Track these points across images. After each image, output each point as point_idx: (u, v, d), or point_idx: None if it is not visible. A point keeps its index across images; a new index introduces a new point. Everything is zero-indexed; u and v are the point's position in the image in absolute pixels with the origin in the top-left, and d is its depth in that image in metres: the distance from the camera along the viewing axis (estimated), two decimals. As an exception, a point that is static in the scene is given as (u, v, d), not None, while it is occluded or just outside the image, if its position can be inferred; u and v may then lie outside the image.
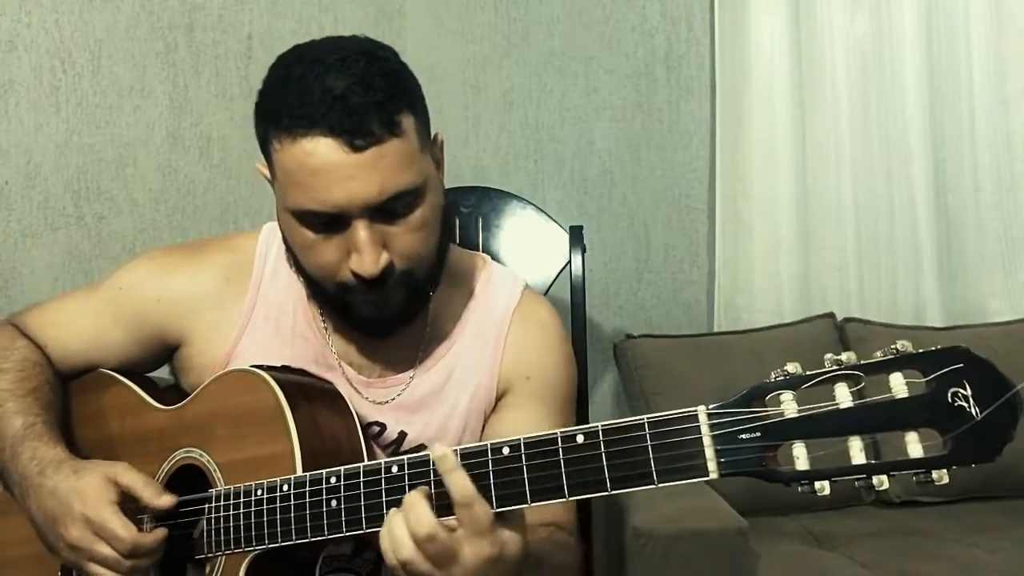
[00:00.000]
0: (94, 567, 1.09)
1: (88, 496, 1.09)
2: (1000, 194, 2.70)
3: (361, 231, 1.07)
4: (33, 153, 2.39)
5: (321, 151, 1.04)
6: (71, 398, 1.31)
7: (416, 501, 0.95)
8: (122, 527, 1.07)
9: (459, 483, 0.93)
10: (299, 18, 2.52)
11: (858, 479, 0.80)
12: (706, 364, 2.44)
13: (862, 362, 0.80)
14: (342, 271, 1.10)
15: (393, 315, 1.15)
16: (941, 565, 2.04)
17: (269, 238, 1.29)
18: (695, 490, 2.07)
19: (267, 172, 1.16)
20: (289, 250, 1.18)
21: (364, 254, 1.07)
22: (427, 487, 0.96)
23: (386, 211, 1.08)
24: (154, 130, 2.46)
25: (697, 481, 0.87)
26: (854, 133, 2.69)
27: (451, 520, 0.95)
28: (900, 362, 0.79)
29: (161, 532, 1.10)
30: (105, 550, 1.08)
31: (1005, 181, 2.70)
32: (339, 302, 1.14)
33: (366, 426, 1.21)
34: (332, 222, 1.08)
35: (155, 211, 2.48)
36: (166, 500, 1.10)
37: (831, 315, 2.62)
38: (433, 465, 0.97)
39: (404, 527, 0.94)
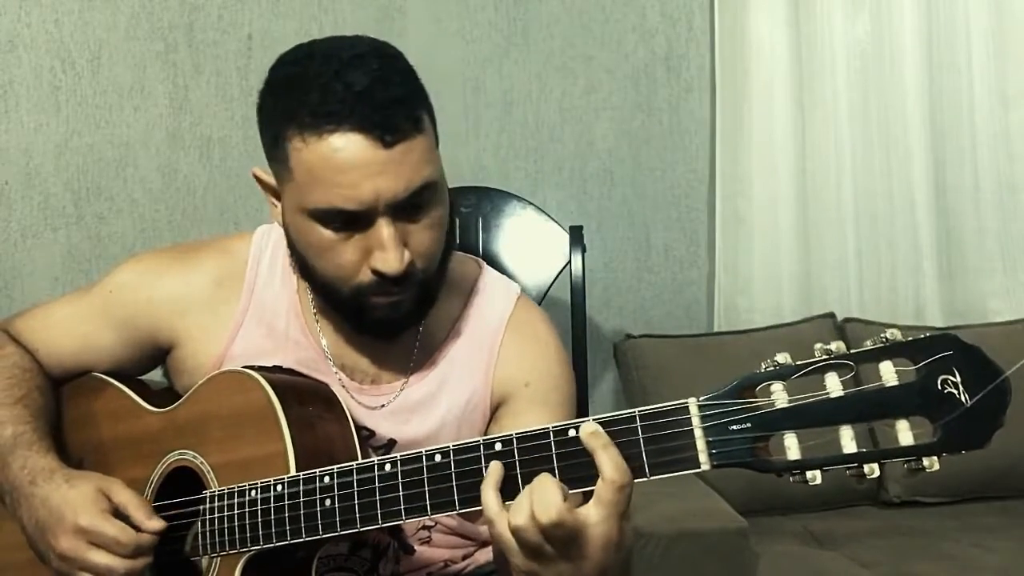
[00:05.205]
0: None
1: (80, 506, 1.08)
2: (1000, 194, 2.70)
3: (385, 229, 1.05)
4: (33, 153, 2.40)
5: (351, 147, 1.02)
6: (64, 402, 1.30)
7: (545, 483, 0.88)
8: (121, 531, 1.07)
9: (616, 461, 0.87)
10: (299, 18, 2.52)
11: (849, 468, 0.80)
12: (706, 364, 2.43)
13: (852, 351, 0.80)
14: (361, 272, 1.08)
15: (406, 316, 1.14)
16: (941, 565, 2.04)
17: (262, 241, 1.27)
18: (695, 490, 2.07)
19: (269, 178, 1.14)
20: (294, 255, 1.16)
21: (389, 251, 1.05)
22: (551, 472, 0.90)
23: (408, 208, 1.07)
24: (154, 130, 2.47)
25: (689, 473, 0.86)
26: (854, 133, 2.69)
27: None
28: (890, 351, 0.79)
29: (158, 524, 1.09)
30: (97, 558, 1.07)
31: (1005, 181, 2.70)
32: (353, 306, 1.12)
33: (356, 430, 1.20)
34: (354, 221, 1.06)
35: (155, 211, 2.48)
36: (155, 524, 1.10)
37: (831, 315, 2.62)
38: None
39: (527, 505, 0.88)
